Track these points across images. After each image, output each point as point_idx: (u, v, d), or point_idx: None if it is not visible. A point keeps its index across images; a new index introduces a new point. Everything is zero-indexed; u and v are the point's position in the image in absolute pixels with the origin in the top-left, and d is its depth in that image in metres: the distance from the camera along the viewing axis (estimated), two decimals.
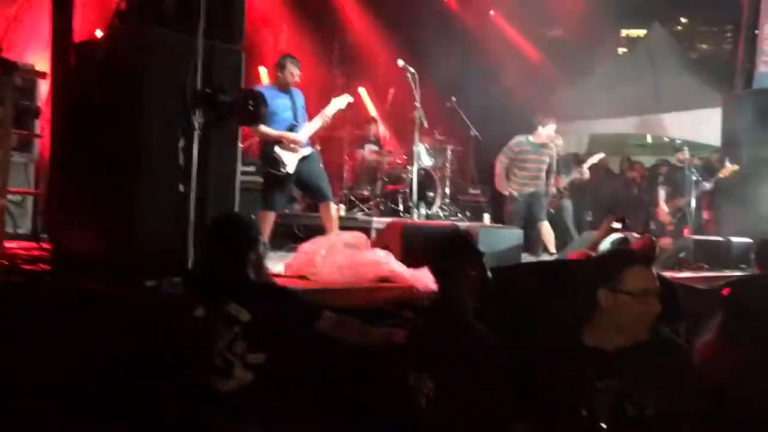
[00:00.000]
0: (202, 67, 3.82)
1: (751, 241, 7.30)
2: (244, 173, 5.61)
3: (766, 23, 10.08)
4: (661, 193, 8.64)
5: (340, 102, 6.12)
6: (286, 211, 6.64)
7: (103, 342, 2.94)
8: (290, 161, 5.77)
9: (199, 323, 2.77)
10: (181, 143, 3.78)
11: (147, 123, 3.78)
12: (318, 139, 9.32)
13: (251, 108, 3.98)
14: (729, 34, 13.82)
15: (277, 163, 5.72)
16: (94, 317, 3.04)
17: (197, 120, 3.81)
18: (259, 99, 4.09)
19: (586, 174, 8.11)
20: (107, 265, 3.69)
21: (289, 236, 7.24)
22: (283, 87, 5.87)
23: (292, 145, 5.78)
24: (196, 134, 3.80)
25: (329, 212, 5.91)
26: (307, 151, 5.89)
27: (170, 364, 2.78)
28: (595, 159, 8.35)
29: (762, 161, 8.48)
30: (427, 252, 3.10)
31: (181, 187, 3.77)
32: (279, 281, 3.95)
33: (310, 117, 6.04)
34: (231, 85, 3.99)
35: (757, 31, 10.60)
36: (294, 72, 5.83)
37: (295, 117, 5.89)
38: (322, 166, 6.15)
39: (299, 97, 6.00)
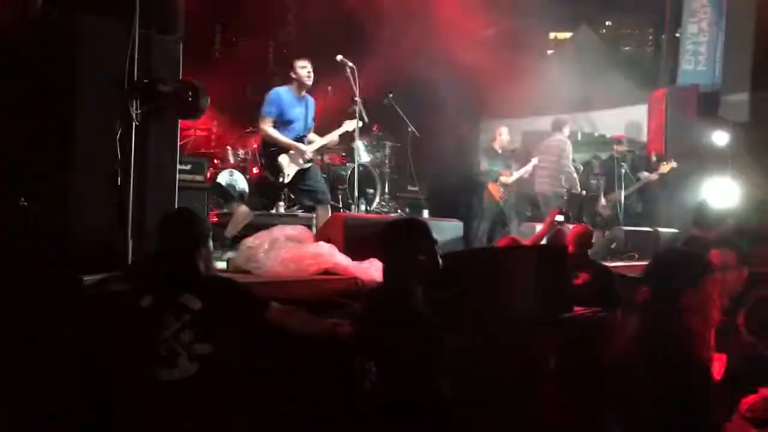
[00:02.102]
0: (138, 56, 3.73)
1: (677, 231, 7.65)
2: (180, 171, 5.51)
3: (688, 24, 10.59)
4: (600, 186, 8.83)
5: (350, 125, 6.19)
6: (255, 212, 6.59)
7: (44, 337, 2.84)
8: (291, 171, 5.77)
9: (145, 313, 2.72)
10: (119, 135, 3.68)
11: (82, 113, 3.66)
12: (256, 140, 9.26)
13: (191, 99, 3.90)
14: (650, 37, 14.39)
15: (279, 171, 5.73)
16: (31, 311, 2.93)
17: (135, 111, 3.72)
18: (200, 91, 4.01)
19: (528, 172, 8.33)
20: (43, 259, 3.55)
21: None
22: (299, 91, 5.82)
23: (298, 156, 5.77)
24: (133, 125, 3.71)
25: (327, 214, 5.87)
26: (308, 165, 5.89)
27: (113, 356, 2.72)
28: (535, 161, 8.54)
29: (685, 153, 8.90)
30: (378, 237, 3.08)
31: (119, 180, 3.67)
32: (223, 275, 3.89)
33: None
34: (169, 75, 3.91)
35: (678, 33, 11.14)
36: (308, 68, 5.73)
37: (305, 127, 5.91)
38: (321, 174, 6.17)
39: (311, 106, 5.98)
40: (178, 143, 4.25)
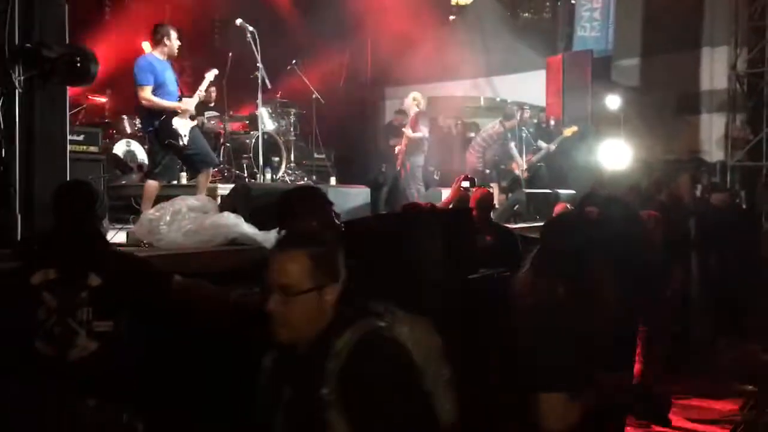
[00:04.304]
0: (19, 19, 3.48)
1: (574, 192, 7.97)
2: (72, 142, 5.27)
3: None
4: (514, 150, 8.75)
5: (210, 75, 6.13)
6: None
7: None
8: (185, 131, 5.68)
9: (36, 291, 2.57)
10: (1, 103, 3.44)
11: None
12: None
13: (79, 65, 3.68)
14: (548, 4, 14.75)
15: (177, 134, 5.61)
16: None
17: (18, 78, 3.48)
18: (89, 56, 3.78)
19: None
20: None
21: (125, 209, 6.80)
22: (169, 57, 5.77)
23: (185, 115, 5.69)
24: (17, 93, 3.47)
25: (208, 178, 5.91)
26: (194, 122, 5.86)
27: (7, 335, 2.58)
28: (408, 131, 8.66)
29: (581, 118, 9.24)
30: (276, 206, 3.04)
31: (3, 152, 3.44)
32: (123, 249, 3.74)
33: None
34: (55, 40, 3.67)
35: (573, 0, 11.50)
36: (176, 40, 5.74)
37: (177, 88, 5.85)
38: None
39: (173, 69, 5.94)
40: (68, 112, 4.02)
